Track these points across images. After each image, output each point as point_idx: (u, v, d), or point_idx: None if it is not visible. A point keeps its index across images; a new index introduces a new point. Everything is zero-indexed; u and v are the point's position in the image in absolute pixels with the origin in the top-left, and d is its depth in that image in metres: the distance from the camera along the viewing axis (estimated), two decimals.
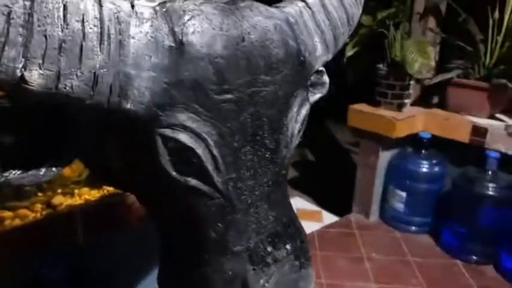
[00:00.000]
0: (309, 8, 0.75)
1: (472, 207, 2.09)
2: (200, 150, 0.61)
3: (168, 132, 0.59)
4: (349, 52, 2.20)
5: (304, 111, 0.73)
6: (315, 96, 0.96)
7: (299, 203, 2.83)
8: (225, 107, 0.61)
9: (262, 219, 0.69)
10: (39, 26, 0.48)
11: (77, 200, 1.07)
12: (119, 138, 0.64)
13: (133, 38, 0.54)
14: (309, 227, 2.43)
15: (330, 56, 0.85)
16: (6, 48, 0.47)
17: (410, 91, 2.28)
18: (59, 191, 1.07)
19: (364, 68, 2.37)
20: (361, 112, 2.33)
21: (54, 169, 0.61)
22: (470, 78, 2.22)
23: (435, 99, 2.44)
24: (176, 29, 0.57)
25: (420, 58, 2.05)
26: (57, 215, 1.01)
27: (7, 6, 0.46)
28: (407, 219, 2.36)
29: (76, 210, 1.03)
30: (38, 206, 1.01)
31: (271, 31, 0.65)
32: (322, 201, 2.84)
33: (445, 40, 2.32)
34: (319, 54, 0.77)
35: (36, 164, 0.60)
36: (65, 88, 0.51)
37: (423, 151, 2.28)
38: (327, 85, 0.97)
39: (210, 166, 0.62)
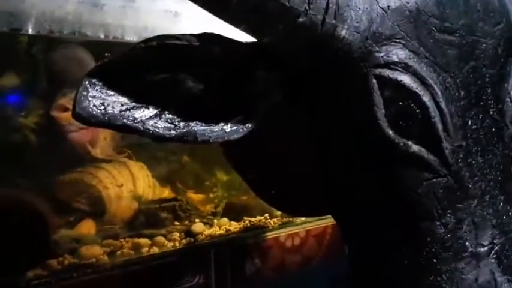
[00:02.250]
0: None
1: None
2: (427, 98, 0.49)
3: (386, 72, 0.49)
4: None
5: None
6: None
7: None
8: (448, 50, 0.51)
9: (502, 215, 0.54)
10: None
11: (217, 230, 0.96)
12: (322, 88, 0.53)
13: None
14: None
15: None
16: None
17: None
18: (197, 220, 0.97)
19: None
20: None
21: (242, 127, 0.49)
22: None
23: None
24: None
25: None
26: (198, 246, 0.87)
27: None
28: None
29: (219, 241, 0.89)
30: (176, 235, 0.91)
31: None
32: None
33: None
34: None
35: (223, 119, 0.49)
36: None
37: None
38: None
39: (438, 124, 0.50)
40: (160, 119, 0.45)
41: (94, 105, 0.41)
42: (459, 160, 0.51)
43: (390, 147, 0.49)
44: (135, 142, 0.99)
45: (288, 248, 1.03)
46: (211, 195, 1.02)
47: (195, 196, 1.05)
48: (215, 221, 0.98)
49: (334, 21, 0.45)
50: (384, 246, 0.55)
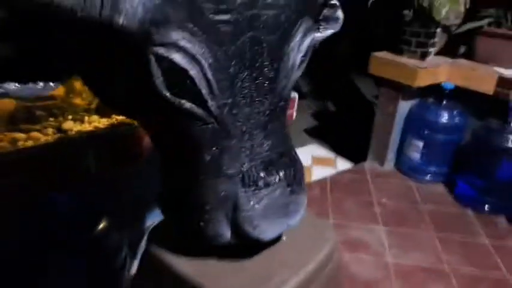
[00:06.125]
0: None
1: (491, 159, 2.05)
2: (194, 72, 0.61)
3: (161, 51, 0.59)
4: None
5: (308, 40, 0.72)
6: (327, 31, 0.94)
7: (316, 151, 2.83)
8: (222, 28, 0.60)
9: (256, 147, 0.70)
10: None
11: (86, 127, 1.10)
12: (114, 58, 0.64)
13: None
14: (324, 173, 2.45)
15: None
16: None
17: (436, 40, 2.18)
18: (70, 117, 1.12)
19: (389, 15, 2.28)
20: (382, 60, 2.26)
21: (52, 84, 0.64)
22: (502, 27, 2.11)
23: (462, 49, 2.33)
24: None
25: (448, 3, 1.95)
26: (68, 140, 1.05)
27: None
28: (422, 168, 2.34)
29: (86, 136, 1.06)
30: (50, 130, 1.05)
31: None
32: (340, 151, 2.83)
33: None
34: None
35: (34, 77, 0.62)
36: None
37: (444, 101, 2.22)
38: (341, 21, 0.95)
39: (204, 89, 0.62)
40: None
41: None
42: (224, 112, 0.65)
43: (169, 102, 0.63)
44: None
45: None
46: (85, 94, 1.14)
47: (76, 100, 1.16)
48: (86, 118, 1.12)
49: (110, 13, 0.55)
50: (176, 168, 0.74)
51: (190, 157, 0.70)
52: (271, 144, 0.71)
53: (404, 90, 2.27)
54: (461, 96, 2.19)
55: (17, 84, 0.61)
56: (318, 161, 2.69)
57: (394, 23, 2.25)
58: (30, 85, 0.62)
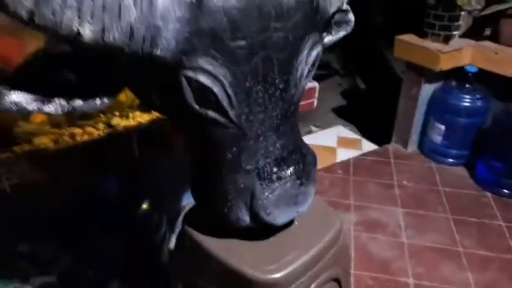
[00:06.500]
0: None
1: (511, 143, 2.09)
2: (216, 89, 0.73)
3: (190, 73, 0.71)
4: None
5: (315, 53, 0.81)
6: (339, 34, 1.04)
7: (342, 132, 2.92)
8: (238, 52, 0.70)
9: (270, 146, 0.82)
10: None
11: (131, 122, 1.26)
12: (153, 79, 0.78)
13: None
14: (349, 155, 2.56)
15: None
16: (65, 11, 0.60)
17: (460, 23, 2.20)
18: (116, 113, 1.27)
19: None
20: (406, 43, 2.31)
21: (106, 99, 0.80)
22: None
23: (487, 32, 2.33)
24: None
25: None
26: (116, 134, 1.22)
27: None
28: (444, 151, 2.41)
29: (131, 130, 1.23)
30: (101, 126, 1.21)
31: None
32: (367, 132, 2.89)
33: None
34: None
35: (92, 95, 0.78)
36: (109, 40, 0.64)
37: (467, 85, 2.25)
38: (352, 23, 1.04)
39: (225, 102, 0.75)
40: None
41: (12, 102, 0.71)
42: (242, 119, 0.76)
43: (196, 113, 0.76)
44: None
45: None
46: (128, 92, 1.28)
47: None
48: (130, 114, 1.26)
49: (150, 48, 0.67)
50: (202, 164, 0.88)
51: (214, 155, 0.83)
52: (283, 144, 0.82)
53: (427, 74, 2.31)
54: (484, 80, 2.22)
55: (80, 101, 0.77)
56: (343, 142, 2.79)
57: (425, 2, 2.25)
58: (90, 101, 0.78)
